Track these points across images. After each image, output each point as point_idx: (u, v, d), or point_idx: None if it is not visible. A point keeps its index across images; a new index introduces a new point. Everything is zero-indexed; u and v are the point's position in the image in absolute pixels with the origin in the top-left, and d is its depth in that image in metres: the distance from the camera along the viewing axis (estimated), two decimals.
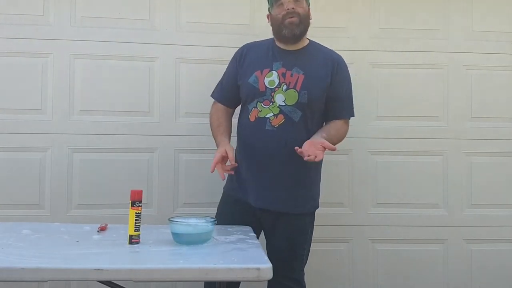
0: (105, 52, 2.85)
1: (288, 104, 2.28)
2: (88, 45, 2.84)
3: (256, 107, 2.31)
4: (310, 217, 2.41)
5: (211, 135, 2.47)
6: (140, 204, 1.94)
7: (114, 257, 1.79)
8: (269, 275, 1.66)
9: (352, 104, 2.45)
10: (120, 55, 2.86)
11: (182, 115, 2.90)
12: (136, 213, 1.93)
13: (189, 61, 2.91)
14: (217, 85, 2.53)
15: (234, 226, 2.25)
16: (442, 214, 3.03)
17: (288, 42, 2.36)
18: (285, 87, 2.30)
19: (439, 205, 3.03)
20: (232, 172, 2.30)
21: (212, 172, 2.23)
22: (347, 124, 2.46)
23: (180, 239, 1.94)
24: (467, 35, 3.05)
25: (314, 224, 2.43)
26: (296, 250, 2.35)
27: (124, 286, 1.83)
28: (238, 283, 2.33)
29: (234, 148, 2.39)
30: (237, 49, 2.49)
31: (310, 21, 2.40)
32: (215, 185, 2.52)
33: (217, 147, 2.34)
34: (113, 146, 2.85)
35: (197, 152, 2.85)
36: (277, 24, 2.34)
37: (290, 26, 2.30)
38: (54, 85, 2.82)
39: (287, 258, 2.28)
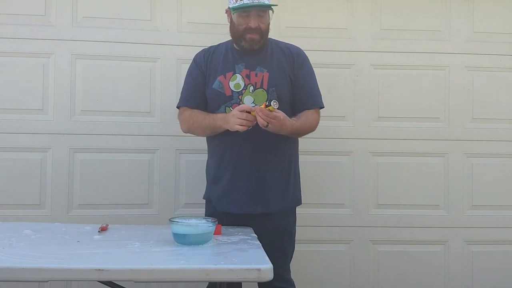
0: (106, 52, 2.85)
1: (258, 104, 2.23)
2: (90, 45, 2.85)
3: (225, 111, 2.26)
4: (294, 215, 2.40)
5: (202, 134, 2.38)
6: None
7: (115, 257, 1.79)
8: (270, 275, 1.66)
9: (319, 94, 2.38)
10: (122, 55, 2.86)
11: None
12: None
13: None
14: (182, 94, 2.41)
15: (235, 226, 2.25)
16: (443, 215, 3.03)
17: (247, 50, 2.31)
18: (251, 88, 2.27)
19: (440, 206, 3.03)
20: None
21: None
22: (318, 113, 2.38)
23: (181, 239, 1.94)
24: (468, 36, 3.05)
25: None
26: (286, 250, 2.33)
27: (125, 287, 1.83)
28: (240, 284, 2.32)
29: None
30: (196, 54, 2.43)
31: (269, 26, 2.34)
32: None
33: (224, 123, 2.19)
34: (114, 147, 2.85)
35: (198, 152, 2.82)
36: (237, 35, 2.29)
37: (251, 42, 2.27)
38: (55, 85, 2.82)
39: (279, 260, 2.13)
